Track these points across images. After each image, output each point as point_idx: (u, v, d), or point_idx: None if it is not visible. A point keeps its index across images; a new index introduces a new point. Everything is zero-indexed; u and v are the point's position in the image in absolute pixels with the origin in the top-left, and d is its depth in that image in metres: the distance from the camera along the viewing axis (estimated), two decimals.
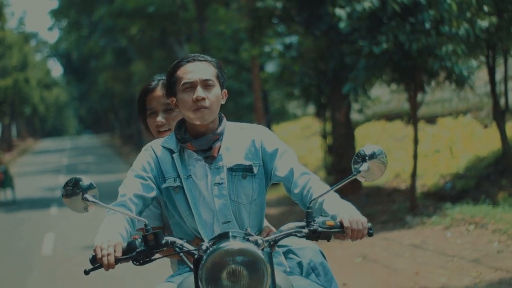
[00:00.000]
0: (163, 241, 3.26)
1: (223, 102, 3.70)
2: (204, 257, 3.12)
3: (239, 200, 3.63)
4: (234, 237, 3.17)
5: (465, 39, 12.91)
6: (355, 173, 3.45)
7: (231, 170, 3.63)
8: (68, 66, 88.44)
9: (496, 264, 8.89)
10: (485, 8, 12.92)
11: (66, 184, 3.49)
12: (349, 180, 3.43)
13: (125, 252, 3.25)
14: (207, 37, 28.37)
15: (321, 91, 17.92)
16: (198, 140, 3.63)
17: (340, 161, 17.29)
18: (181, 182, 3.62)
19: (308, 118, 33.76)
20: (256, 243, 3.17)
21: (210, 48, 27.00)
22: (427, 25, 12.86)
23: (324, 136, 19.48)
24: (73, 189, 3.46)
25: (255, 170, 3.66)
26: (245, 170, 3.64)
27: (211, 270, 3.09)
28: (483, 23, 12.90)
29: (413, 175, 14.33)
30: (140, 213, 3.58)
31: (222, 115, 3.74)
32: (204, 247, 3.17)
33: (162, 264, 4.23)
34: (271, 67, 27.44)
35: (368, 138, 26.47)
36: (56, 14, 63.56)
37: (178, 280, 3.57)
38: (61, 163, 47.54)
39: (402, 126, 25.82)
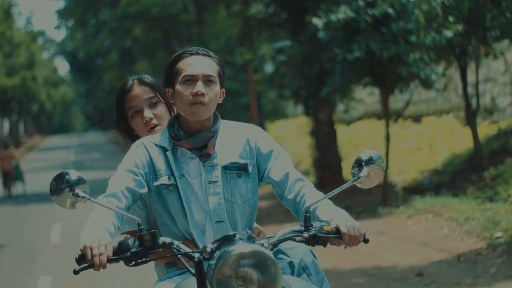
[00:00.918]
0: (160, 242, 3.15)
1: (220, 101, 3.62)
2: (213, 260, 3.04)
3: (233, 200, 3.57)
4: (241, 239, 3.10)
5: (432, 47, 14.34)
6: (355, 178, 3.41)
7: (225, 168, 3.57)
8: (75, 64, 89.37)
9: (441, 246, 10.31)
10: (450, 18, 14.31)
11: (54, 178, 3.32)
12: (346, 187, 3.39)
13: (116, 252, 3.12)
14: (206, 40, 29.80)
15: (309, 92, 19.34)
16: (193, 138, 3.55)
17: (324, 158, 18.76)
18: (175, 180, 3.53)
19: (305, 117, 35.22)
20: (262, 245, 3.11)
21: (209, 50, 28.38)
22: (397, 35, 14.29)
23: (312, 134, 20.92)
24: (61, 184, 3.28)
25: (250, 169, 3.61)
26: (240, 169, 3.59)
27: (222, 274, 3.00)
28: (448, 33, 14.32)
29: (385, 170, 15.72)
30: (128, 209, 3.46)
31: (217, 113, 3.67)
32: (209, 250, 3.09)
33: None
34: (270, 67, 28.84)
35: (358, 136, 27.87)
36: (63, 13, 64.75)
37: (170, 285, 3.47)
38: (68, 160, 48.52)
39: (390, 124, 27.16)
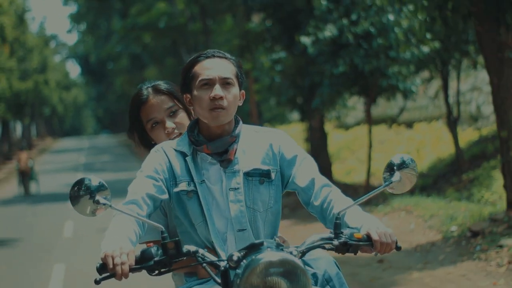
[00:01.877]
0: (184, 250, 3.06)
1: (240, 104, 3.52)
2: (240, 269, 2.95)
3: (255, 207, 3.45)
4: (269, 247, 3.00)
5: (411, 61, 15.86)
6: (387, 183, 3.32)
7: (247, 174, 3.45)
8: (86, 67, 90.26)
9: (406, 239, 11.79)
10: (428, 35, 15.79)
11: (74, 185, 3.20)
12: (378, 192, 3.31)
13: (138, 260, 3.03)
14: (212, 48, 31.32)
15: (303, 100, 20.87)
16: (214, 143, 3.44)
17: (316, 162, 20.23)
18: (195, 186, 3.42)
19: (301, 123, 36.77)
20: (291, 253, 3.02)
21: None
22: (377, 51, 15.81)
23: (307, 139, 22.45)
24: (81, 190, 3.17)
25: (273, 175, 3.48)
26: (262, 175, 3.46)
27: (250, 283, 2.90)
28: (425, 49, 15.84)
29: (368, 172, 17.21)
30: (149, 216, 3.34)
31: (238, 117, 3.55)
32: (235, 258, 2.99)
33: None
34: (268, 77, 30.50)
35: (355, 140, 29.34)
36: (75, 17, 66.10)
37: None
38: (79, 162, 49.67)
39: (386, 130, 28.68)
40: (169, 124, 3.86)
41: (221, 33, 31.57)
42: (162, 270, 3.04)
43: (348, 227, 3.22)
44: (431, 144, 22.94)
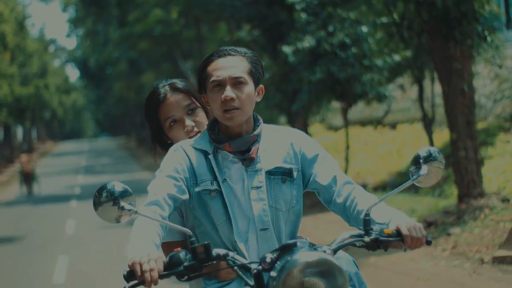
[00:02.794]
0: (214, 254, 2.99)
1: (258, 99, 3.45)
2: (275, 271, 2.89)
3: (278, 206, 3.38)
4: (302, 247, 2.94)
5: (384, 68, 17.29)
6: (414, 177, 3.25)
7: (269, 173, 3.39)
8: (85, 71, 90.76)
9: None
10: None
11: (98, 191, 3.10)
12: (406, 186, 3.22)
13: (167, 266, 2.96)
14: (206, 55, 32.77)
15: (288, 105, 22.26)
16: (235, 141, 3.37)
17: None
18: (218, 185, 3.35)
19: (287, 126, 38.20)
20: (324, 252, 2.97)
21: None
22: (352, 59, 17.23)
23: None
24: (105, 196, 3.07)
25: (295, 174, 3.43)
26: (284, 174, 3.41)
27: (288, 285, 2.85)
28: (396, 57, 17.26)
29: (345, 172, 18.63)
30: (169, 217, 3.26)
31: (258, 115, 3.49)
32: (268, 260, 2.94)
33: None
34: None
35: (343, 141, 30.72)
36: (74, 22, 67.25)
37: None
38: (80, 165, 50.97)
39: (371, 131, 30.06)
40: (189, 122, 3.78)
41: (214, 40, 32.97)
42: (192, 275, 2.95)
43: (376, 223, 3.17)
44: (411, 144, 24.28)
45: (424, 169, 3.23)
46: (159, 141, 3.90)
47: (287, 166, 3.41)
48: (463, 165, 12.11)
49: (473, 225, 11.18)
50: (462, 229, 11.15)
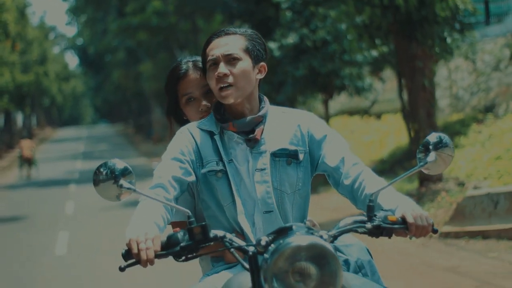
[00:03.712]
0: (211, 235, 2.91)
1: (260, 77, 3.41)
2: (267, 254, 2.79)
3: (282, 189, 3.31)
4: (298, 231, 2.81)
5: (363, 63, 18.67)
6: (421, 164, 3.15)
7: (274, 155, 3.32)
8: (85, 59, 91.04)
9: (342, 212, 14.56)
10: (377, 41, 18.57)
11: (98, 168, 3.06)
12: (413, 173, 3.14)
13: (165, 246, 2.89)
14: (201, 46, 34.09)
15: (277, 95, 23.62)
16: (240, 121, 3.32)
17: None
18: (224, 166, 3.30)
19: None
20: (321, 238, 2.83)
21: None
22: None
23: None
24: (105, 174, 3.03)
25: (301, 156, 3.34)
26: (289, 156, 3.33)
27: (278, 268, 2.74)
28: (374, 53, 18.62)
29: None
30: (176, 200, 3.21)
31: (264, 96, 3.46)
32: (263, 243, 2.83)
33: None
34: None
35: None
36: (74, 10, 68.00)
37: (218, 280, 3.24)
38: (78, 151, 52.20)
39: (358, 120, 31.36)
40: (204, 102, 3.70)
41: (209, 32, 34.24)
42: (189, 255, 2.91)
43: (382, 209, 3.07)
44: (394, 134, 25.56)
45: (432, 155, 3.14)
46: (175, 116, 3.84)
47: (293, 148, 3.34)
48: None
49: (429, 205, 12.57)
50: (431, 209, 12.56)
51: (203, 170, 3.32)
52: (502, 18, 24.86)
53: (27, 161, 33.14)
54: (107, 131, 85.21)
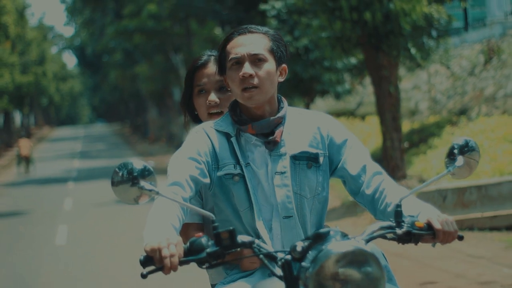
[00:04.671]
0: (239, 241, 2.76)
1: (281, 79, 3.24)
2: (306, 261, 2.66)
3: (302, 193, 3.17)
4: (335, 237, 2.72)
5: (342, 70, 20.07)
6: (450, 169, 3.07)
7: (294, 158, 3.18)
8: (82, 59, 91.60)
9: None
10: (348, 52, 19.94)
11: (116, 170, 2.87)
12: (440, 178, 3.02)
13: (187, 252, 2.74)
14: (194, 50, 35.47)
15: None
16: (259, 123, 3.16)
17: None
18: (241, 169, 3.15)
19: None
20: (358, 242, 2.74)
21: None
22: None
23: None
24: (124, 175, 2.84)
25: (321, 160, 3.21)
26: (310, 159, 3.19)
27: (322, 276, 2.63)
28: (352, 60, 20.02)
29: None
30: (190, 200, 3.06)
31: (282, 97, 3.29)
32: (299, 249, 2.69)
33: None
34: None
35: None
36: (72, 10, 68.85)
37: None
38: (76, 150, 53.28)
39: (344, 121, 32.63)
40: (213, 97, 3.60)
41: (202, 36, 35.62)
42: (214, 262, 2.76)
43: (405, 215, 2.98)
44: (375, 135, 26.82)
45: (460, 160, 3.07)
46: (188, 108, 3.76)
47: (313, 150, 3.21)
48: (389, 152, 14.86)
49: None
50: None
51: (219, 173, 3.18)
52: (480, 24, 26.13)
53: (25, 159, 34.68)
54: (104, 131, 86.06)
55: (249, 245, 2.79)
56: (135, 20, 38.06)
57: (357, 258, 2.65)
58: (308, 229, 3.19)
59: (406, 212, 2.98)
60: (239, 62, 3.16)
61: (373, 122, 28.88)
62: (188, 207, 2.91)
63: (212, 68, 3.61)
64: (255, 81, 3.12)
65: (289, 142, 3.21)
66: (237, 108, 3.25)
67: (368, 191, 3.17)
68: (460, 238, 2.98)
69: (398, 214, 2.93)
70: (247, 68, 3.12)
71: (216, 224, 2.75)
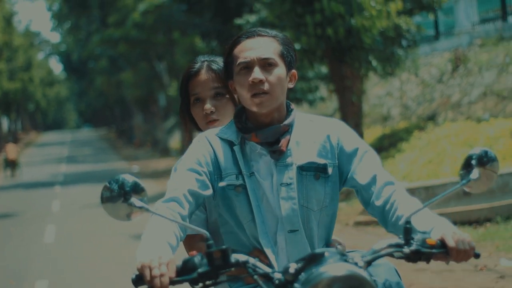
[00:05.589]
0: (233, 260, 2.62)
1: (291, 86, 3.10)
2: (298, 284, 2.54)
3: (309, 206, 3.02)
4: (331, 257, 2.55)
5: (313, 79, 21.32)
6: (464, 182, 2.87)
7: (301, 168, 3.03)
8: (68, 65, 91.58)
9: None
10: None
11: (106, 185, 2.76)
12: (454, 191, 2.83)
13: (180, 271, 2.60)
14: (176, 58, 36.70)
15: None
16: (264, 131, 3.01)
17: None
18: (244, 180, 3.01)
19: None
20: (356, 265, 2.59)
21: (179, 67, 35.24)
22: None
23: None
24: (114, 190, 2.74)
25: (330, 170, 3.05)
26: (318, 170, 3.03)
27: None
28: (324, 69, 21.27)
29: None
30: (190, 215, 2.93)
31: (290, 103, 3.14)
32: (292, 271, 2.57)
33: None
34: None
35: None
36: (58, 16, 69.35)
37: None
38: (62, 155, 53.73)
39: None
40: (208, 106, 3.49)
41: (185, 45, 36.73)
42: (207, 282, 2.61)
43: (417, 231, 2.76)
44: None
45: (475, 172, 2.87)
46: (188, 117, 3.65)
47: (322, 161, 3.05)
48: None
49: (356, 201, 15.11)
50: (348, 204, 15.10)
51: (221, 183, 3.03)
52: (451, 32, 27.25)
53: (12, 164, 35.76)
54: (91, 136, 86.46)
55: (243, 264, 2.65)
56: (120, 30, 39.19)
57: (351, 283, 2.51)
58: (316, 243, 3.07)
59: (418, 227, 2.80)
60: (248, 66, 3.02)
61: None
62: (182, 225, 2.79)
63: (205, 75, 3.53)
64: (266, 86, 2.98)
65: (296, 152, 3.05)
66: (242, 115, 3.11)
67: (378, 202, 3.01)
68: (477, 256, 2.75)
69: (407, 231, 2.73)
70: (257, 73, 2.99)
71: (210, 242, 2.62)
